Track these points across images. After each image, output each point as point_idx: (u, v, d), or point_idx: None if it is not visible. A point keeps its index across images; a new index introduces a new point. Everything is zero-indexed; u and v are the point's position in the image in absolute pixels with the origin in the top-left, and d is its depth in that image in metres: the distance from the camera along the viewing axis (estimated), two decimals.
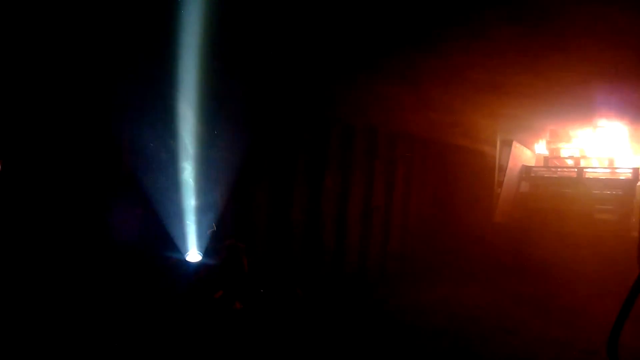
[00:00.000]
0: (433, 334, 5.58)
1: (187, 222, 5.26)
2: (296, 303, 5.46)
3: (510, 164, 9.92)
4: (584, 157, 10.97)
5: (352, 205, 7.73)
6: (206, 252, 5.31)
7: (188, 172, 5.29)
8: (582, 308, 6.60)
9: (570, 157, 11.21)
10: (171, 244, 5.14)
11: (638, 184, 9.17)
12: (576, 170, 10.21)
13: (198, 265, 5.23)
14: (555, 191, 10.03)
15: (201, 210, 5.39)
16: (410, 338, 5.43)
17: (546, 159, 11.42)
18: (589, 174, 10.08)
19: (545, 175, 10.70)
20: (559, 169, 10.98)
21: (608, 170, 10.35)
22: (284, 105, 6.57)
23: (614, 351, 3.40)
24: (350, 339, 5.23)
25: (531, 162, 11.02)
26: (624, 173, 9.78)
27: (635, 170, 9.33)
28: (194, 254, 5.25)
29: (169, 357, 4.26)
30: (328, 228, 7.29)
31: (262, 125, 6.34)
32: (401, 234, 8.94)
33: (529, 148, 11.09)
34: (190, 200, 5.31)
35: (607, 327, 5.58)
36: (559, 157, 11.46)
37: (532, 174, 10.57)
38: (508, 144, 10.07)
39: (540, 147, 11.68)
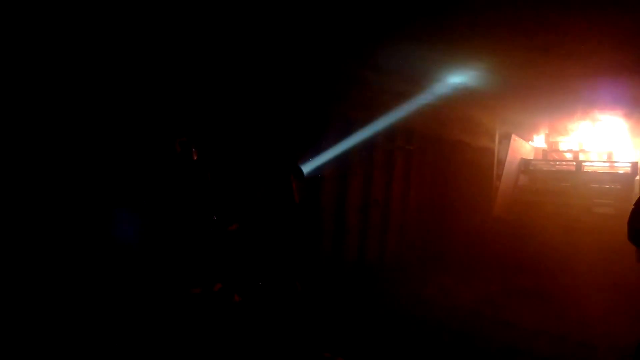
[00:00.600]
0: (431, 327, 5.60)
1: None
2: (295, 296, 5.47)
3: (509, 157, 9.92)
4: (582, 150, 10.98)
5: (351, 199, 7.72)
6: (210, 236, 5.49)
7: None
8: (580, 301, 6.61)
9: (569, 151, 11.22)
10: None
11: (636, 178, 9.19)
12: (575, 163, 10.22)
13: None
14: (553, 185, 10.05)
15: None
16: (408, 331, 5.44)
17: (545, 152, 11.43)
18: (588, 167, 10.09)
19: (544, 169, 10.71)
20: (557, 163, 10.99)
21: (607, 164, 10.36)
22: (282, 98, 6.54)
23: None
24: (349, 331, 5.24)
25: (530, 156, 11.03)
26: (623, 167, 9.79)
27: (634, 164, 9.34)
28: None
29: (168, 350, 4.26)
30: (327, 221, 7.29)
31: (261, 118, 6.32)
32: (400, 227, 8.94)
33: (527, 141, 11.09)
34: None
35: (604, 322, 5.67)
36: (557, 151, 11.47)
37: (531, 168, 10.57)
38: (507, 137, 10.07)
39: (539, 141, 11.69)
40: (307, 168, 6.63)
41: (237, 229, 5.70)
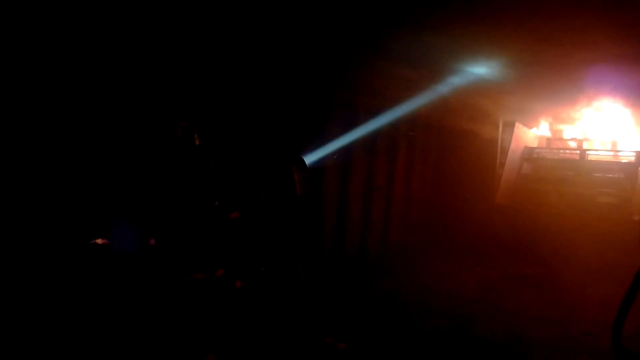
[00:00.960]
0: (433, 314, 5.62)
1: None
2: (297, 282, 5.48)
3: (513, 145, 9.88)
4: (586, 139, 10.93)
5: (354, 185, 7.70)
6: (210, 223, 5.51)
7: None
8: (582, 290, 6.63)
9: (573, 139, 11.17)
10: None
11: None
12: (578, 152, 10.17)
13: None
14: (557, 173, 10.01)
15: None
16: (410, 317, 5.47)
17: (549, 140, 11.39)
18: (592, 156, 10.04)
19: (548, 157, 10.66)
20: (561, 151, 10.94)
21: (610, 153, 10.31)
22: (284, 83, 6.49)
23: (618, 339, 3.43)
24: (351, 317, 5.27)
25: (534, 144, 10.98)
26: (627, 156, 9.75)
27: (638, 153, 9.29)
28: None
29: (170, 336, 4.28)
30: (329, 208, 7.28)
31: (264, 106, 6.28)
32: (403, 214, 8.93)
33: (531, 129, 11.04)
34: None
35: (606, 310, 5.66)
36: (561, 139, 11.42)
37: (535, 156, 10.53)
38: (511, 125, 10.01)
39: (543, 129, 11.64)
40: (309, 158, 6.61)
41: (239, 217, 5.70)
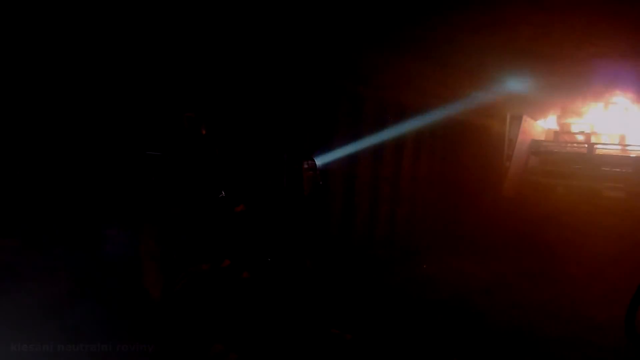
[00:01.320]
0: (440, 306, 5.62)
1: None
2: (304, 273, 5.49)
3: (520, 138, 9.82)
4: (594, 133, 10.86)
5: (361, 177, 7.68)
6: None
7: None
8: (589, 284, 6.61)
9: (581, 133, 11.10)
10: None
11: None
12: (586, 146, 10.11)
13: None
14: (564, 167, 9.95)
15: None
16: (417, 309, 5.47)
17: (556, 134, 11.32)
18: (599, 150, 9.98)
19: (555, 151, 10.60)
20: (569, 145, 10.88)
21: (619, 147, 10.24)
22: (293, 74, 6.46)
23: (632, 328, 3.45)
24: (357, 309, 5.27)
25: (541, 137, 10.92)
26: (635, 150, 9.68)
27: None
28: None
29: (177, 325, 4.30)
30: (336, 199, 7.26)
31: (274, 95, 6.25)
32: (410, 206, 8.91)
33: (539, 122, 10.97)
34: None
35: (613, 304, 5.66)
36: (569, 133, 11.35)
37: (542, 149, 10.47)
38: (518, 118, 9.95)
39: (551, 122, 11.56)
40: (317, 153, 6.56)
41: (243, 211, 5.68)
